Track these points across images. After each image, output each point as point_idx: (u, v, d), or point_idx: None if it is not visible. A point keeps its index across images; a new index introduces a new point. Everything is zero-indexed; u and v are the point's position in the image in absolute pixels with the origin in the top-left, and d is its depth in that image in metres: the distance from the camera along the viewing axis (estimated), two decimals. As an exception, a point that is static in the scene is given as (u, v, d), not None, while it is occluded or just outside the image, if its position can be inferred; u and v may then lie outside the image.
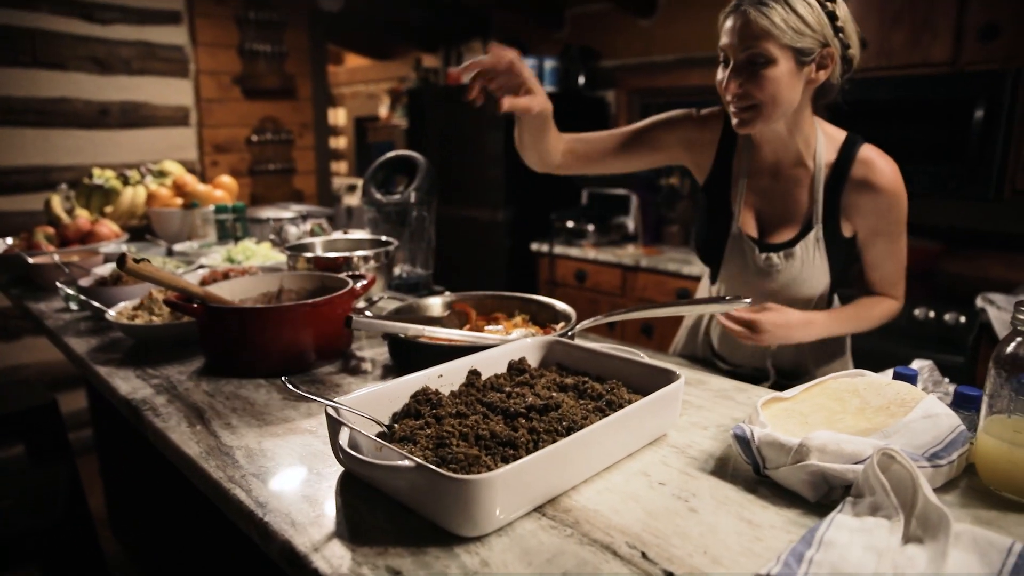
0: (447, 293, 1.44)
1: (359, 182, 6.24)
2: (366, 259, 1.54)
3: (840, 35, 1.28)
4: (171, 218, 2.36)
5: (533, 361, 1.08)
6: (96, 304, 1.52)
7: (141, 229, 2.46)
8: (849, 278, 1.55)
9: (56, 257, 2.02)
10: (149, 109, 3.99)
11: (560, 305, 1.32)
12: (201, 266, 1.96)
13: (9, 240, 2.27)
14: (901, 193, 1.40)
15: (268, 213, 2.40)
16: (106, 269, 1.94)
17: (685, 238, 3.91)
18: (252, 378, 1.23)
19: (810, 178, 1.43)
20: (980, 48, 2.65)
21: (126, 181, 2.71)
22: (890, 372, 1.12)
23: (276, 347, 1.22)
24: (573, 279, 3.91)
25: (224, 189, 2.50)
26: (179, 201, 2.39)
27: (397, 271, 1.87)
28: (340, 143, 7.41)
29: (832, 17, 1.26)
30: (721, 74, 1.34)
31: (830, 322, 1.45)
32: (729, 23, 1.30)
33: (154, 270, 1.12)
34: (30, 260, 1.93)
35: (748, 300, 1.14)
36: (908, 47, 2.83)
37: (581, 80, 4.33)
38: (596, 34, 4.42)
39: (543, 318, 1.35)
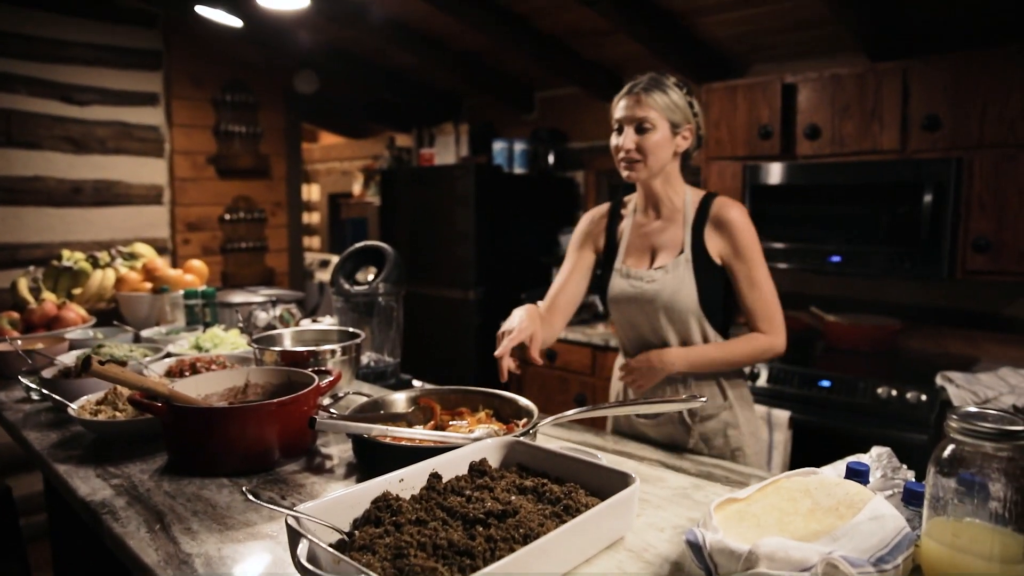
0: (414, 386, 1.46)
1: (332, 258, 6.28)
2: (333, 352, 1.55)
3: (696, 118, 1.77)
4: (140, 303, 2.36)
5: (494, 461, 1.10)
6: (57, 398, 1.51)
7: (109, 313, 2.46)
8: (731, 315, 1.84)
9: (19, 343, 2.01)
10: (122, 187, 4.03)
11: (522, 401, 1.34)
12: (168, 354, 1.96)
13: (-28, 325, 2.26)
14: (747, 226, 1.74)
15: (238, 298, 2.41)
16: (71, 357, 1.93)
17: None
18: (216, 477, 1.23)
19: (682, 218, 1.81)
20: (925, 136, 2.80)
21: (95, 263, 2.71)
22: (844, 465, 1.16)
23: (240, 446, 1.22)
24: (543, 358, 3.93)
25: (194, 273, 2.52)
26: (148, 285, 2.40)
27: (365, 359, 1.89)
28: (314, 218, 7.47)
29: (691, 105, 1.75)
30: (616, 139, 1.77)
31: (686, 352, 1.73)
32: (624, 102, 1.74)
33: (119, 371, 1.13)
34: (-7, 347, 1.92)
35: (704, 399, 1.18)
36: (859, 136, 2.97)
37: (551, 160, 4.46)
38: (564, 116, 4.58)
39: (506, 413, 1.37)
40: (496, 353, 1.55)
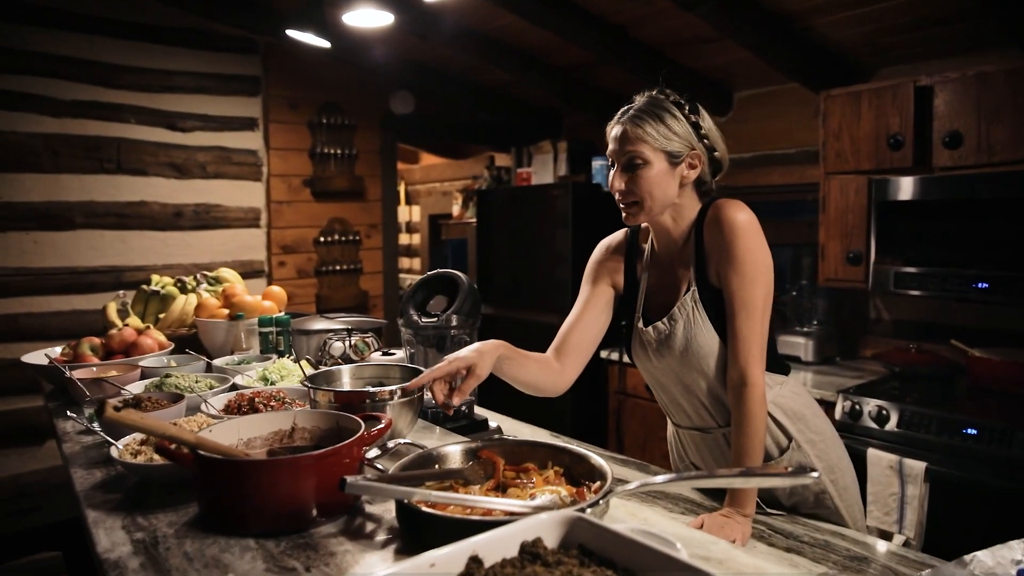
0: (488, 427, 1.27)
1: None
2: (392, 394, 1.39)
3: (705, 141, 1.48)
4: (216, 329, 2.30)
5: (552, 540, 0.88)
6: (102, 434, 1.42)
7: (190, 339, 2.42)
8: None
9: (94, 370, 1.97)
10: (221, 211, 4.09)
11: (595, 460, 1.12)
12: (234, 385, 1.86)
13: (57, 350, 2.25)
14: (744, 227, 1.41)
15: (316, 324, 2.31)
16: (139, 386, 1.87)
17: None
18: (243, 536, 1.08)
19: (691, 249, 1.53)
20: (1094, 144, 2.39)
21: (183, 288, 2.70)
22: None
23: (271, 504, 1.06)
24: (644, 390, 3.66)
25: (273, 299, 2.44)
26: (226, 312, 2.34)
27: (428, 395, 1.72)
28: (414, 240, 7.49)
29: (696, 127, 1.47)
30: (610, 176, 1.52)
31: (741, 492, 1.35)
32: (612, 134, 1.49)
33: (137, 418, 1.00)
34: (66, 373, 1.87)
35: (816, 474, 0.93)
36: (1011, 142, 2.58)
37: (651, 179, 4.20)
38: (667, 132, 4.31)
39: (578, 472, 1.16)
40: (407, 385, 1.41)
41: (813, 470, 0.93)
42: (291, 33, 3.27)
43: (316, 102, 4.36)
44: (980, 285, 2.71)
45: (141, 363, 2.05)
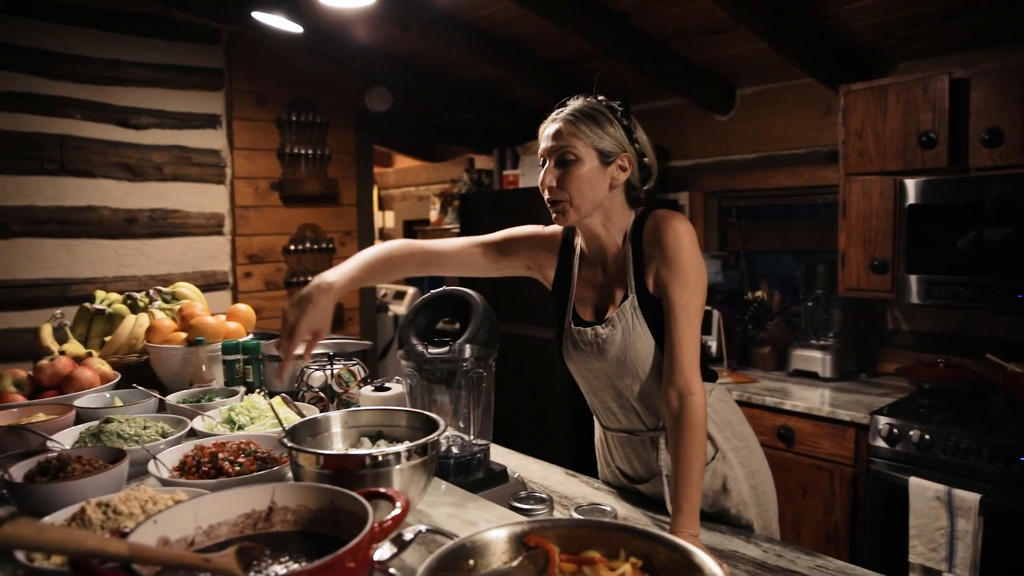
0: (508, 478, 0.94)
1: (408, 289, 5.88)
2: (402, 456, 1.05)
3: (636, 145, 1.50)
4: (171, 357, 1.94)
5: None
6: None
7: (140, 367, 2.05)
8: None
9: (15, 412, 1.60)
10: (180, 217, 3.70)
11: (696, 554, 0.80)
12: (193, 431, 1.51)
13: (-23, 383, 1.87)
14: (687, 238, 1.45)
15: (289, 349, 1.96)
16: (72, 434, 1.51)
17: (779, 362, 3.36)
18: None
19: (625, 255, 1.54)
20: None
21: (134, 306, 2.33)
22: None
23: (242, 642, 0.73)
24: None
25: (239, 320, 2.08)
26: (183, 336, 1.98)
27: (443, 442, 1.39)
28: (388, 246, 7.12)
29: (628, 131, 1.50)
30: (541, 174, 1.52)
31: (685, 518, 1.34)
32: (546, 132, 1.51)
33: (32, 534, 0.66)
34: (-20, 420, 1.51)
35: None
36: (1058, 141, 2.34)
37: (649, 181, 3.92)
38: (665, 131, 4.04)
39: (662, 563, 0.84)
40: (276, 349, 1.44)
41: None
42: (258, 16, 2.91)
43: (285, 98, 3.99)
44: (1022, 296, 2.48)
45: (76, 402, 1.68)
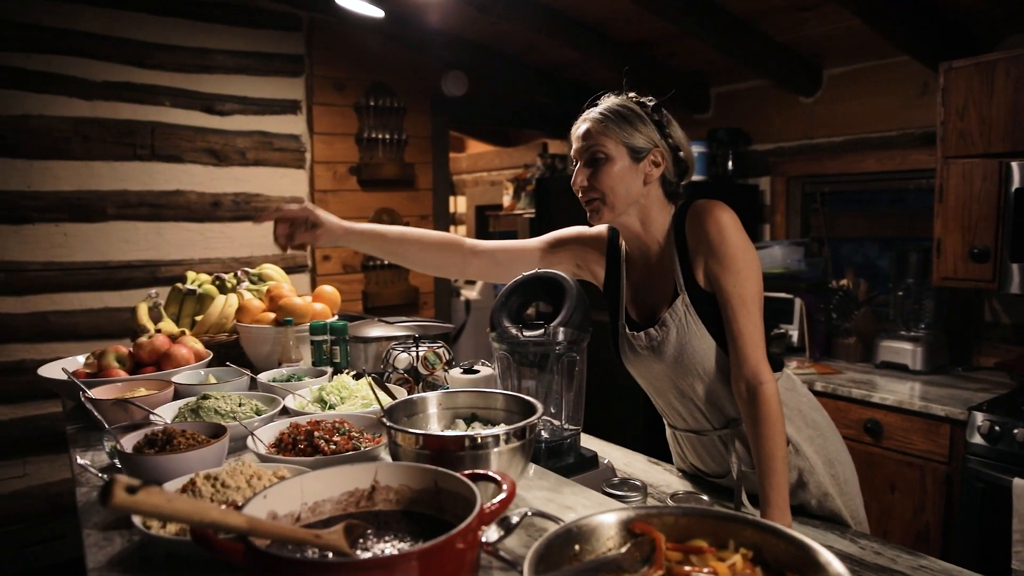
0: (599, 464, 0.92)
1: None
2: (500, 439, 1.04)
3: (669, 140, 1.48)
4: (261, 337, 1.98)
5: None
6: (126, 487, 1.09)
7: (230, 346, 2.11)
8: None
9: (119, 386, 1.66)
10: (262, 201, 3.79)
11: (827, 557, 0.76)
12: (285, 409, 1.54)
13: (81, 359, 1.96)
14: (731, 226, 1.41)
15: (375, 331, 1.98)
16: (172, 408, 1.56)
17: (865, 353, 3.23)
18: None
19: (671, 252, 1.51)
20: None
21: (222, 287, 2.39)
22: None
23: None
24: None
25: (325, 301, 2.11)
26: (271, 316, 2.02)
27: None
28: (460, 232, 7.16)
29: (660, 126, 1.47)
30: (574, 176, 1.51)
31: (776, 507, 1.34)
32: (576, 132, 1.50)
33: (162, 503, 0.67)
34: (85, 393, 1.57)
35: None
36: None
37: (730, 165, 3.81)
38: (746, 114, 3.91)
39: (775, 555, 0.80)
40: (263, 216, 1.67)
41: None
42: (340, 1, 2.94)
43: (363, 83, 4.04)
44: None
45: (174, 379, 1.74)
